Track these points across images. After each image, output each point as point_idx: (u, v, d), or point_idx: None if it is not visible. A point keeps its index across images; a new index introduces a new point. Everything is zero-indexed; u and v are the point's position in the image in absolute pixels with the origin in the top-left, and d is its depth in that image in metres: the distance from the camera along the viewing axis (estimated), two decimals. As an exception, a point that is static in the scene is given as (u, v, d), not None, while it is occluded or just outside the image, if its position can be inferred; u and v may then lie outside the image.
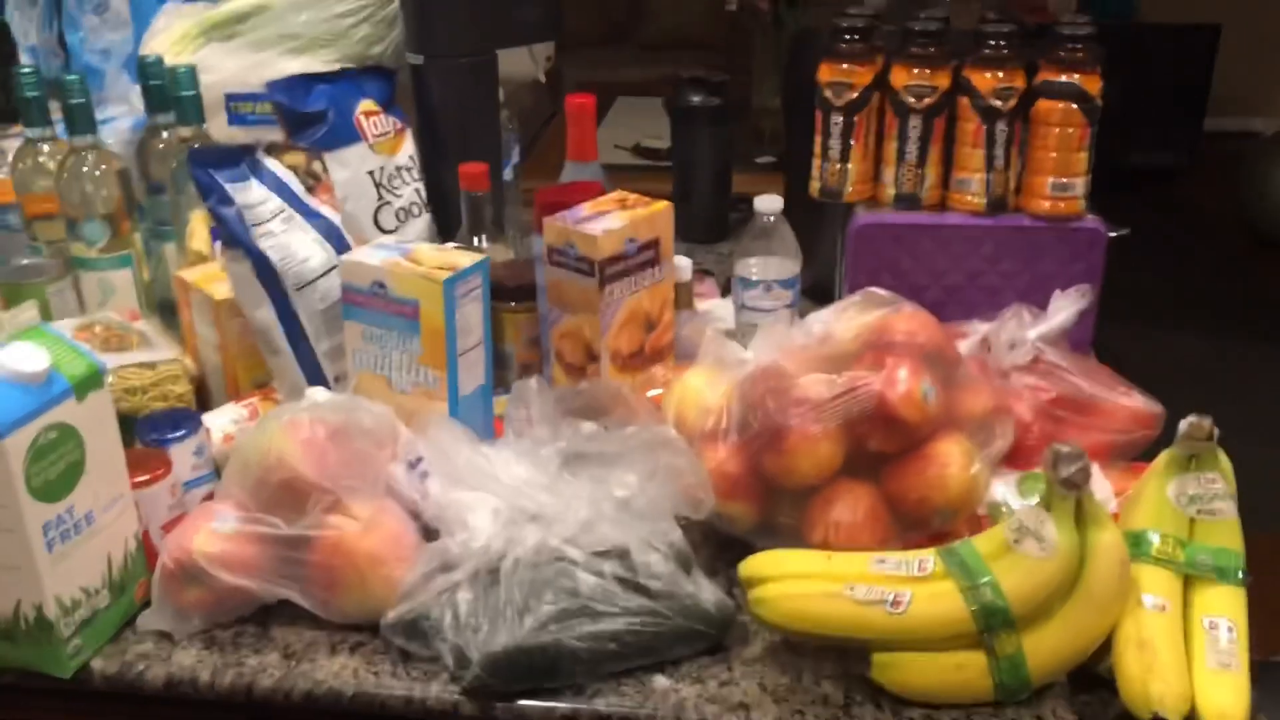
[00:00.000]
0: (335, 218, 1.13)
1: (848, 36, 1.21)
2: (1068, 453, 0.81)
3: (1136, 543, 0.85)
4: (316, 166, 1.17)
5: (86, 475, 0.88)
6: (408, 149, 1.37)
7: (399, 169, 1.35)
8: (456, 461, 0.94)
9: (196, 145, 1.28)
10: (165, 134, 1.37)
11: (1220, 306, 3.89)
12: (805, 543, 0.94)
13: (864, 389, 0.91)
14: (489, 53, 1.41)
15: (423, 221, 1.37)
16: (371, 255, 1.05)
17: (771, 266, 1.24)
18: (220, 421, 1.13)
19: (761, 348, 0.98)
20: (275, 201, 1.09)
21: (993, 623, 0.81)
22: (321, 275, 1.09)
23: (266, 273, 1.06)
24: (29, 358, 0.84)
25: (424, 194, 1.38)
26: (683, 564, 0.90)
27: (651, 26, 4.81)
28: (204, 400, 1.22)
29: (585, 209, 1.14)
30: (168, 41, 1.41)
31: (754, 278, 1.24)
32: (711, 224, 1.69)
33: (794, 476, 0.93)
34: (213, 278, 1.21)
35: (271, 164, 1.13)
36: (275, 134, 1.40)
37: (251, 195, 1.08)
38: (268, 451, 0.93)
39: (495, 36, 1.40)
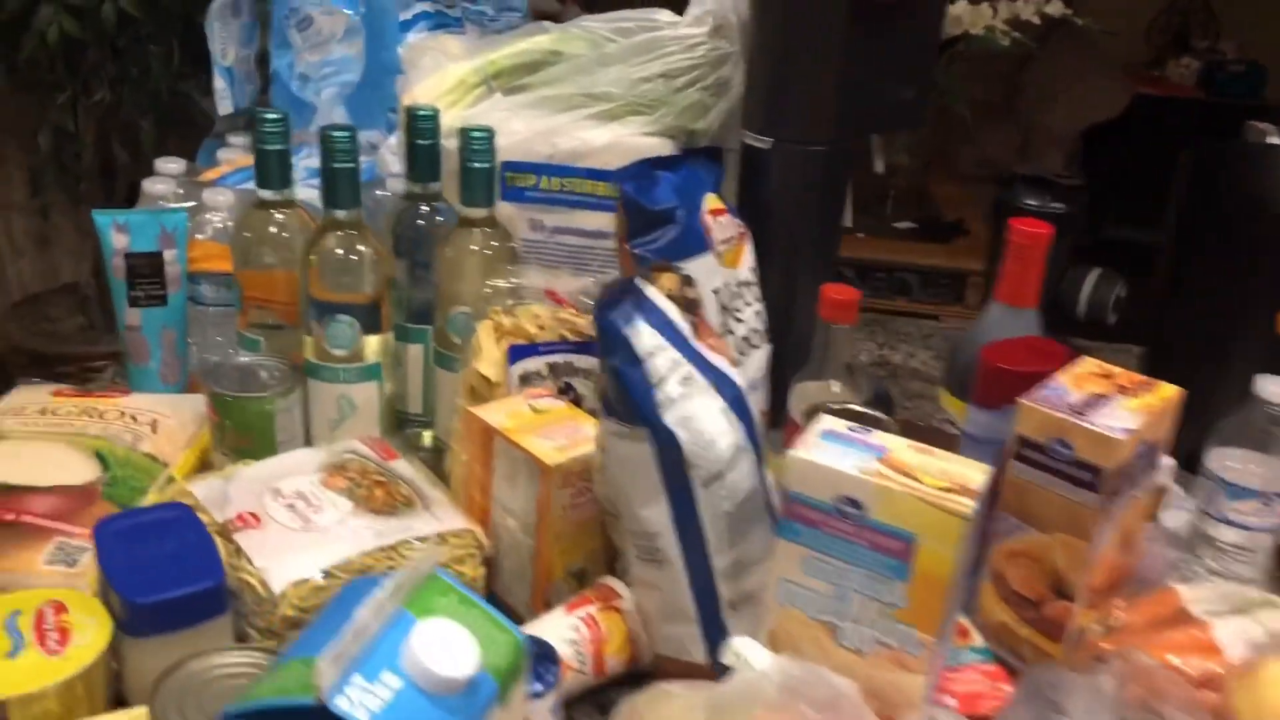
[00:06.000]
0: (733, 373, 0.82)
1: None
2: None
3: None
4: (690, 293, 0.86)
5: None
6: (748, 260, 1.05)
7: (741, 285, 1.04)
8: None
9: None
10: (424, 207, 1.07)
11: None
12: None
13: None
14: (848, 140, 1.10)
15: (762, 355, 1.06)
16: (833, 455, 0.73)
17: (1274, 471, 0.93)
18: (548, 636, 0.81)
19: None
20: (671, 352, 0.78)
21: None
22: (730, 463, 0.78)
23: (672, 459, 0.75)
24: (453, 653, 0.53)
25: (765, 318, 1.06)
26: None
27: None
28: (488, 583, 0.91)
29: (1069, 388, 0.84)
30: (438, 89, 1.09)
31: (1251, 486, 0.93)
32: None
33: None
34: (525, 426, 0.90)
35: (652, 293, 0.82)
36: (558, 218, 1.10)
37: (642, 343, 0.77)
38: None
39: (860, 121, 1.10)
